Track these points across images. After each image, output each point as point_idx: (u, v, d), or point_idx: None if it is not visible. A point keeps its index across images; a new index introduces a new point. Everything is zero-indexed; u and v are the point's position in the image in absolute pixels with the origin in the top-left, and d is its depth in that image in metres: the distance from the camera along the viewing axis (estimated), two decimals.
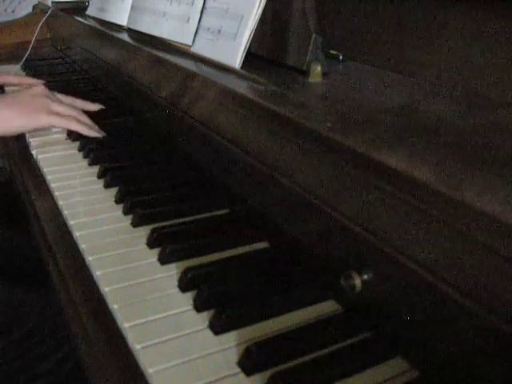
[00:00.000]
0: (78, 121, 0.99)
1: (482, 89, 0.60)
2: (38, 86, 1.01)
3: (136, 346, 0.49)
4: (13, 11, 1.92)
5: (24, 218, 0.85)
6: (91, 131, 0.98)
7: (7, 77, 1.39)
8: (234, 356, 0.48)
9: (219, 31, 0.80)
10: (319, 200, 0.54)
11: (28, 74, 1.51)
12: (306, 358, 0.47)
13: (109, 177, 0.82)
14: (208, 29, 0.84)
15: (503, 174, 0.41)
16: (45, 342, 0.83)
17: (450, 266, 0.41)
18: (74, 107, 1.03)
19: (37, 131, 1.00)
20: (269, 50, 0.76)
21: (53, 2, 1.69)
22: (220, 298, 0.54)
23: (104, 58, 1.26)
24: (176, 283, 0.58)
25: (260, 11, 0.74)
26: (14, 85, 1.40)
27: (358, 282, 0.49)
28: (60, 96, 1.06)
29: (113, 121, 1.09)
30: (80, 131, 0.98)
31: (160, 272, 0.60)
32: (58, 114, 0.97)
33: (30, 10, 1.91)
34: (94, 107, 1.10)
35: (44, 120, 0.96)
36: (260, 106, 0.63)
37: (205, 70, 0.79)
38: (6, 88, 1.40)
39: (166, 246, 0.62)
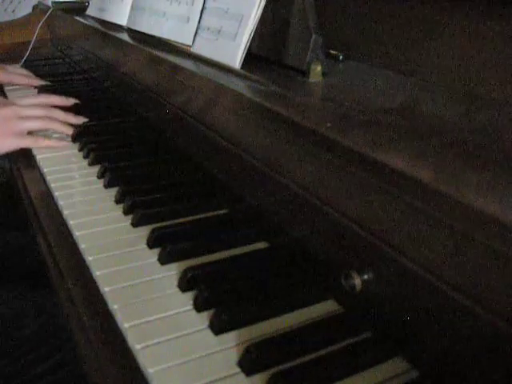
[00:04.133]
0: (52, 127, 1.01)
1: (482, 89, 0.60)
2: (7, 107, 1.00)
3: (136, 346, 0.49)
4: (13, 11, 1.92)
5: (24, 218, 0.85)
6: (62, 142, 0.99)
7: (15, 77, 1.39)
8: (234, 356, 0.48)
9: (219, 31, 0.80)
10: (319, 200, 0.54)
11: None
12: (306, 358, 0.47)
13: (109, 177, 0.82)
14: (208, 29, 0.84)
15: (503, 174, 0.41)
16: (44, 344, 0.82)
17: (450, 265, 0.41)
18: (46, 114, 1.03)
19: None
20: (269, 50, 0.76)
21: (53, 2, 1.69)
22: (220, 298, 0.54)
23: (104, 57, 1.26)
24: (176, 283, 0.58)
25: (260, 11, 0.74)
26: (20, 85, 1.40)
27: (357, 281, 0.49)
28: (31, 100, 1.07)
29: (113, 121, 1.09)
30: (50, 146, 0.98)
31: (160, 272, 0.60)
32: (26, 135, 0.98)
33: (30, 10, 1.91)
34: (68, 102, 1.12)
35: (14, 144, 0.96)
36: (260, 105, 0.63)
37: (205, 70, 0.79)
38: (6, 90, 1.39)
39: (166, 246, 0.62)
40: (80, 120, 1.06)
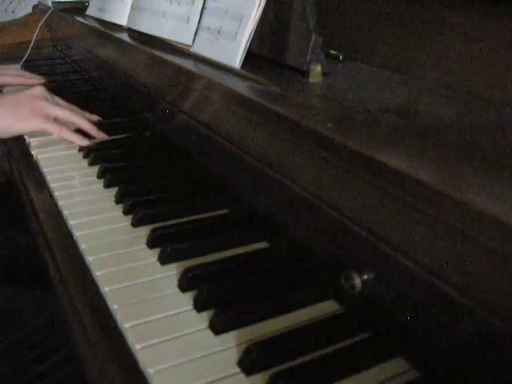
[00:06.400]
0: (78, 121, 0.99)
1: (482, 89, 0.60)
2: (37, 87, 0.99)
3: (136, 346, 0.49)
4: (13, 11, 1.92)
5: (24, 218, 0.85)
6: (83, 141, 0.97)
7: (6, 77, 1.38)
8: (234, 356, 0.48)
9: (219, 31, 0.80)
10: (319, 200, 0.54)
11: None
12: (306, 357, 0.47)
13: (109, 177, 0.82)
14: (208, 29, 0.84)
15: (503, 173, 0.41)
16: (45, 343, 0.83)
17: (450, 265, 0.41)
18: (74, 110, 1.01)
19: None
20: (269, 50, 0.76)
21: (53, 2, 1.69)
22: (220, 298, 0.54)
23: (104, 57, 1.26)
24: (176, 283, 0.58)
25: (260, 11, 0.74)
26: (13, 85, 1.40)
27: (357, 282, 0.49)
28: (59, 100, 1.04)
29: (113, 121, 1.09)
30: (72, 140, 0.97)
31: (160, 272, 0.60)
32: (53, 120, 0.96)
33: (29, 10, 1.91)
34: (92, 118, 1.07)
35: (38, 124, 0.94)
36: (260, 106, 0.63)
37: (205, 70, 0.79)
38: (5, 90, 1.39)
39: (166, 245, 0.62)
40: (101, 135, 1.01)
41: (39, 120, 0.94)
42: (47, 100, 0.98)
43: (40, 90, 0.98)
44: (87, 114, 1.07)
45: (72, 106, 1.04)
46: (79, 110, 1.05)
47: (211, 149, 0.77)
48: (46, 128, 0.95)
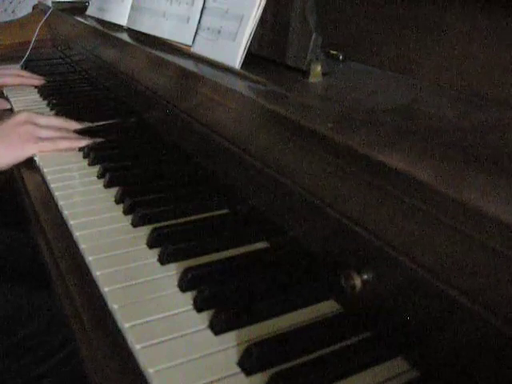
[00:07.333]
0: (68, 132, 0.98)
1: (482, 89, 0.60)
2: (21, 113, 0.97)
3: (136, 346, 0.49)
4: (13, 11, 1.92)
5: (24, 217, 0.85)
6: (81, 142, 0.96)
7: (6, 77, 1.38)
8: (234, 356, 0.48)
9: (219, 31, 0.80)
10: (319, 200, 0.54)
11: None
12: (306, 357, 0.47)
13: (109, 177, 0.82)
14: (208, 29, 0.84)
15: (503, 174, 0.41)
16: (45, 343, 0.83)
17: (450, 265, 0.41)
18: (59, 128, 1.00)
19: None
20: (269, 49, 0.76)
21: (53, 2, 1.69)
22: (220, 298, 0.54)
23: (104, 58, 1.26)
24: (176, 283, 0.58)
25: (260, 11, 0.74)
26: (13, 85, 1.40)
27: (358, 282, 0.49)
28: (44, 117, 1.03)
29: (112, 121, 1.09)
30: (69, 148, 0.96)
31: (160, 272, 0.60)
32: (44, 140, 0.95)
33: (30, 10, 1.91)
34: (79, 126, 1.05)
35: (32, 149, 0.94)
36: (260, 106, 0.63)
37: (204, 70, 0.79)
38: (5, 90, 1.39)
39: (166, 246, 0.62)
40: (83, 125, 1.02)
41: (31, 144, 0.94)
42: (32, 123, 0.96)
43: (23, 115, 0.97)
44: (73, 123, 1.05)
45: (57, 124, 1.02)
46: (65, 124, 1.04)
47: (211, 149, 0.77)
48: (41, 149, 0.94)
